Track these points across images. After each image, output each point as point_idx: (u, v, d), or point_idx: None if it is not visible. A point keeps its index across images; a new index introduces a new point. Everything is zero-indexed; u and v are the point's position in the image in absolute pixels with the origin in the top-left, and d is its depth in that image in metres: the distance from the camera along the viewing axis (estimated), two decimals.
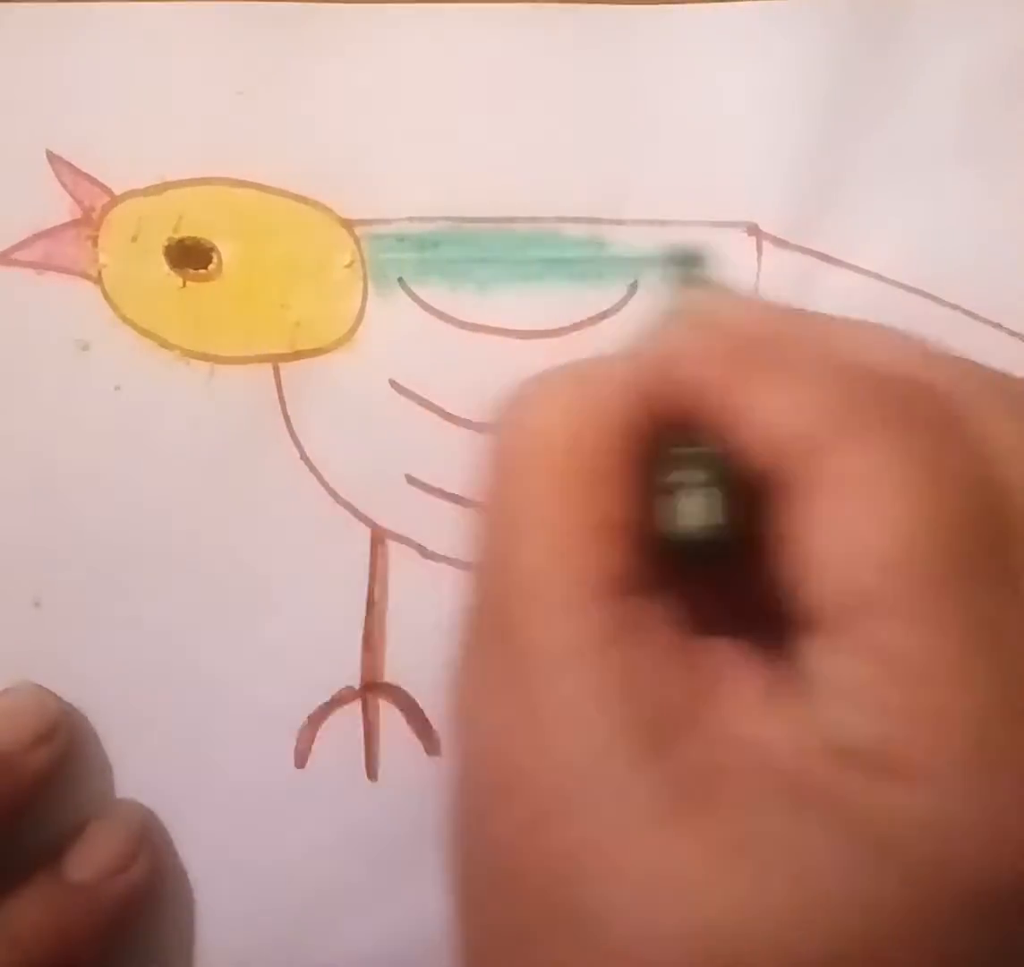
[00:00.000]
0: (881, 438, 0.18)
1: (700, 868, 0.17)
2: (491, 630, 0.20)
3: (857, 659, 0.18)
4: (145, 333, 0.27)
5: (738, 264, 0.28)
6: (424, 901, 0.28)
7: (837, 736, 0.17)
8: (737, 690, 0.19)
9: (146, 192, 0.27)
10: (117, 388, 0.28)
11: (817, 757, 0.17)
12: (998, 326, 0.28)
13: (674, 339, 0.21)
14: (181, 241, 0.27)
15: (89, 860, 0.27)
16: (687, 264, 0.26)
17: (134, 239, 0.27)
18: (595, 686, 0.18)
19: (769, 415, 0.19)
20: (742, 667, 0.19)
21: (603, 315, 0.28)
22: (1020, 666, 0.17)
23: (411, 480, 0.28)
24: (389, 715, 0.28)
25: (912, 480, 0.18)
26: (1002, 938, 0.17)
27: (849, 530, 0.18)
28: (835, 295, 0.28)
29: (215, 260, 0.27)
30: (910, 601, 0.17)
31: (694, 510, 0.21)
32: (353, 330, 0.28)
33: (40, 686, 0.28)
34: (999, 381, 0.20)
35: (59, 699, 0.28)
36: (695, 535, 0.21)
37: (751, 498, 0.20)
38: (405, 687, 0.28)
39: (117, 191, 0.27)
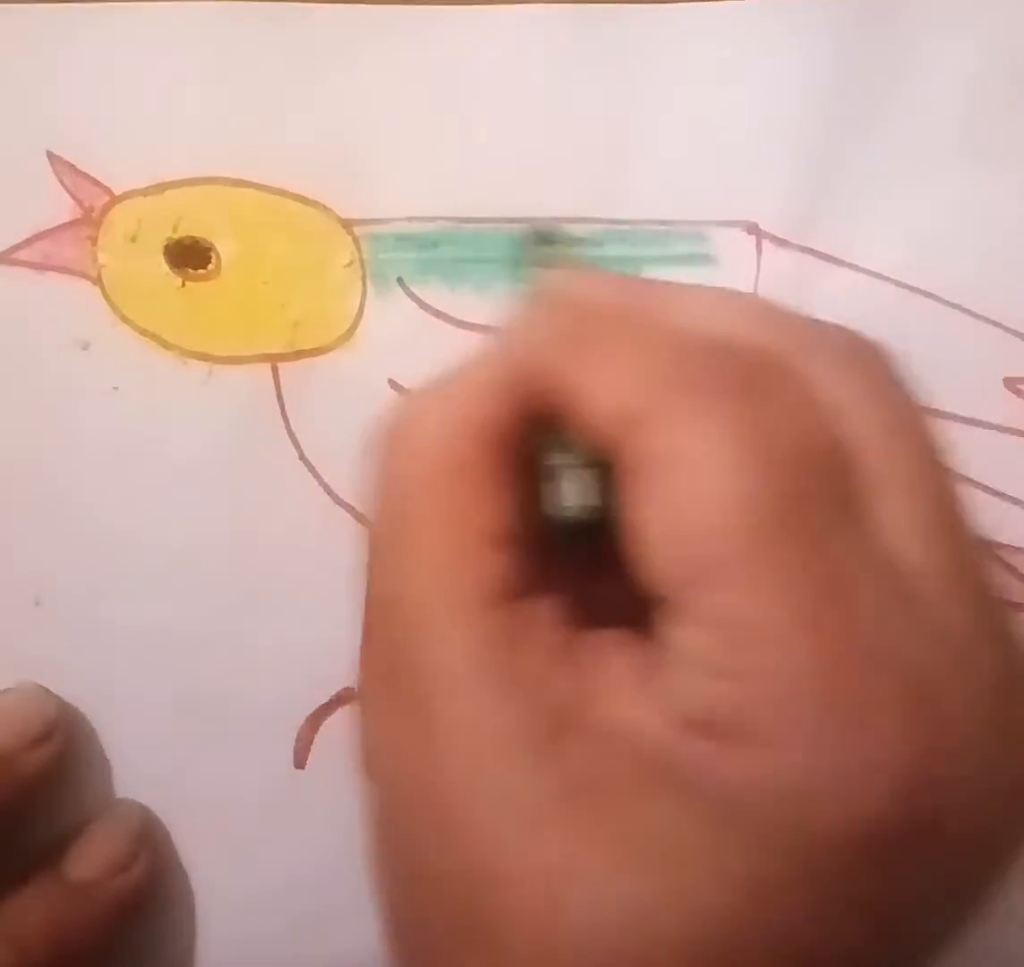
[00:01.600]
0: (703, 406, 0.18)
1: (589, 863, 0.17)
2: (384, 661, 0.20)
3: (697, 629, 0.18)
4: (144, 333, 0.27)
5: (738, 263, 0.28)
6: None
7: (686, 709, 0.18)
8: (614, 679, 0.19)
9: (146, 192, 0.27)
10: (116, 388, 0.28)
11: (671, 732, 0.18)
12: (998, 325, 0.28)
13: (517, 327, 0.21)
14: (180, 241, 0.27)
15: (89, 859, 0.27)
16: (542, 243, 0.26)
17: (133, 239, 0.27)
18: (483, 695, 0.18)
19: (597, 392, 0.19)
20: (620, 654, 0.19)
21: None
22: (866, 609, 0.17)
23: None
24: None
25: (733, 446, 0.18)
26: (872, 885, 0.17)
27: (676, 503, 0.18)
28: (835, 295, 0.28)
29: (214, 260, 0.27)
30: (741, 567, 0.17)
31: (569, 492, 0.21)
32: (352, 330, 0.28)
33: (39, 685, 0.28)
34: (834, 335, 0.20)
35: (58, 698, 0.28)
36: (573, 516, 0.21)
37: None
38: None
39: (117, 191, 0.27)
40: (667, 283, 0.22)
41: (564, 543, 0.21)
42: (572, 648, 0.19)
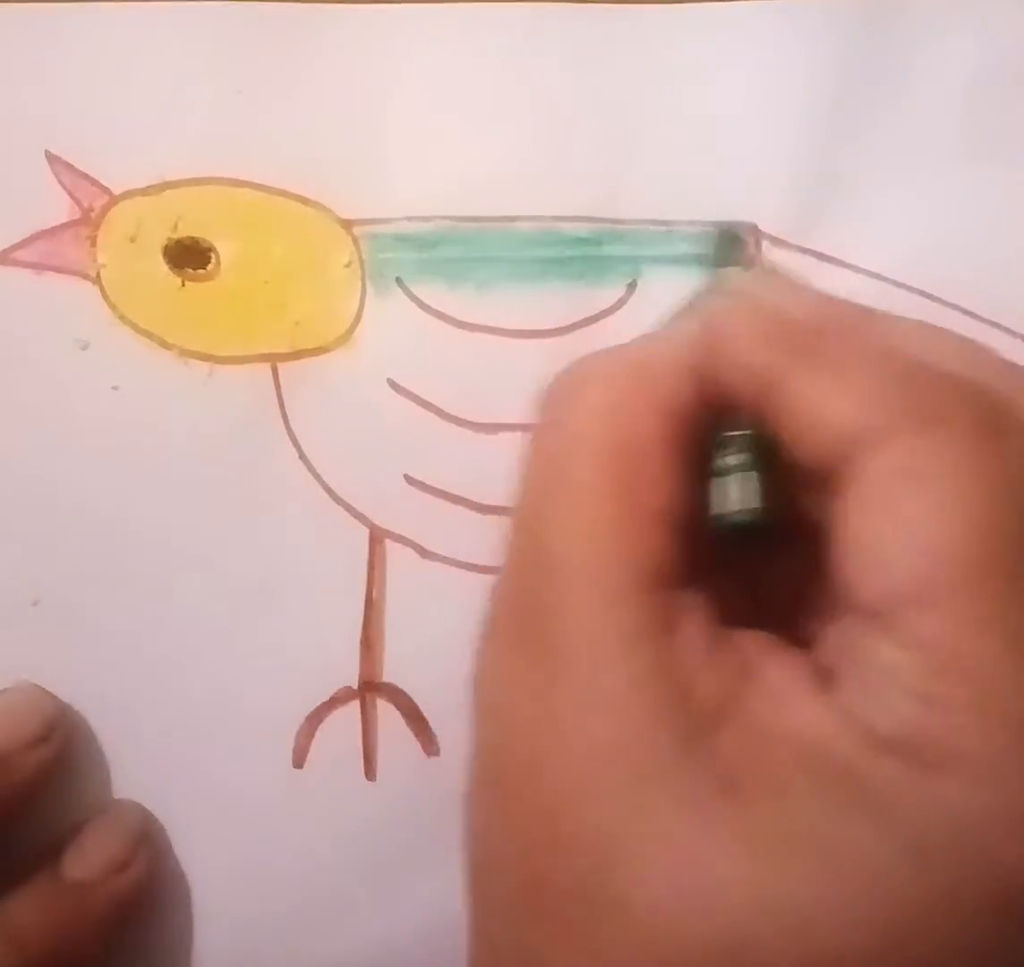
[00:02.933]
0: (935, 434, 0.18)
1: (735, 860, 0.17)
2: (523, 619, 0.20)
3: (903, 650, 0.18)
4: (144, 333, 0.27)
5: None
6: (423, 901, 0.28)
7: (878, 725, 0.17)
8: (773, 681, 0.19)
9: (145, 192, 0.27)
10: (115, 388, 0.28)
11: (856, 746, 0.17)
12: (997, 325, 0.28)
13: (722, 319, 0.21)
14: (180, 241, 0.27)
15: (88, 859, 0.27)
16: (730, 244, 0.26)
17: (133, 239, 0.27)
18: (631, 676, 0.18)
19: (823, 404, 0.19)
20: (777, 658, 0.19)
21: (602, 315, 0.28)
22: None
23: (410, 480, 0.28)
24: (387, 715, 0.28)
25: (964, 477, 0.18)
26: None
27: (901, 522, 0.18)
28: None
29: (214, 260, 0.27)
30: (958, 595, 0.17)
31: (734, 494, 0.21)
32: (352, 330, 0.28)
33: (37, 686, 0.28)
34: None
35: (56, 699, 0.28)
36: (734, 519, 0.21)
37: (795, 484, 0.20)
38: (403, 687, 0.28)
39: (116, 191, 0.27)
40: (871, 309, 0.22)
41: (718, 541, 0.21)
42: (724, 645, 0.19)
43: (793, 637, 0.20)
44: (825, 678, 0.19)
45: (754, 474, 0.21)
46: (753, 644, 0.20)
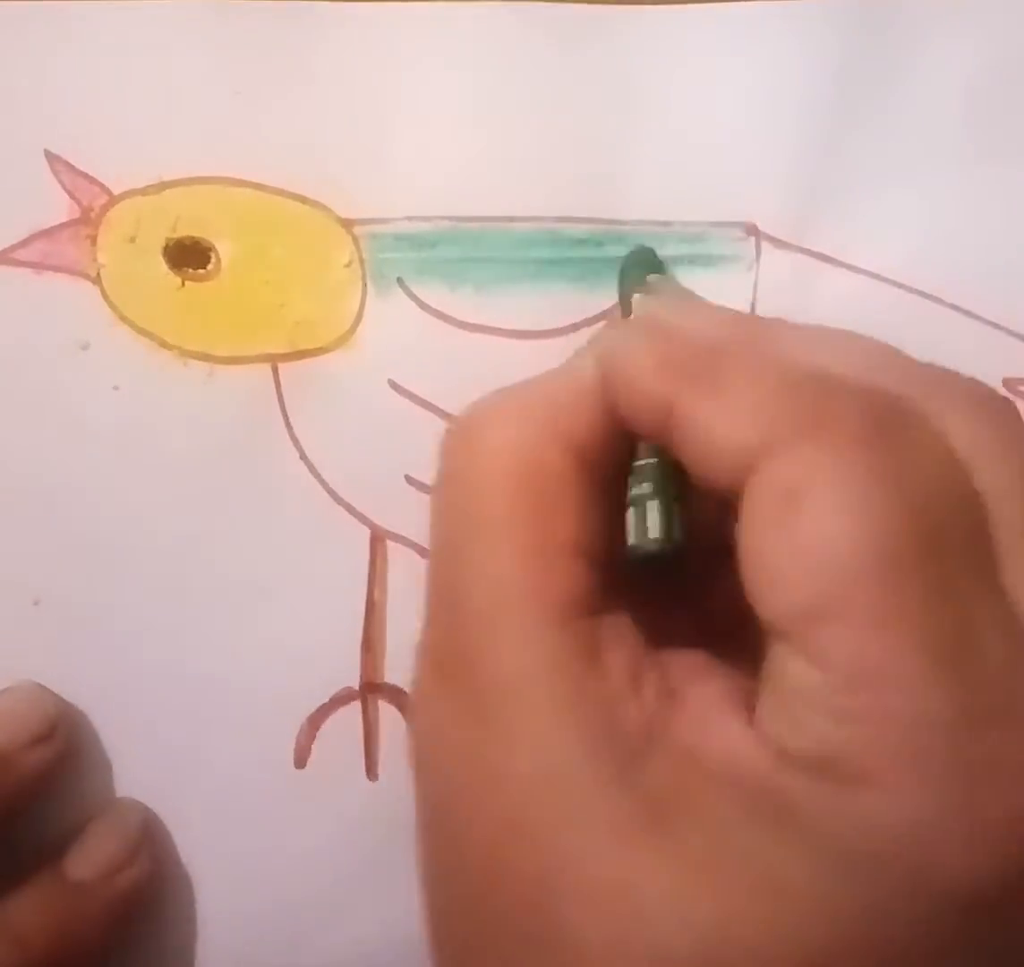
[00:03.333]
0: (817, 442, 0.18)
1: (667, 886, 0.17)
2: (447, 665, 0.19)
3: (810, 666, 0.17)
4: (144, 333, 0.27)
5: (736, 264, 0.28)
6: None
7: (793, 744, 0.17)
8: (697, 704, 0.19)
9: (145, 191, 0.27)
10: (115, 388, 0.27)
11: (776, 766, 0.17)
12: (997, 326, 0.28)
13: (617, 348, 0.21)
14: (179, 241, 0.27)
15: (89, 859, 0.27)
16: (641, 266, 0.26)
17: (132, 239, 0.27)
18: (554, 709, 0.18)
19: (713, 426, 0.19)
20: (703, 679, 0.19)
21: (602, 316, 0.28)
22: (994, 665, 0.17)
23: (410, 480, 0.28)
24: (388, 715, 0.28)
25: (850, 482, 0.18)
26: (989, 937, 0.17)
27: (805, 536, 0.18)
28: (833, 296, 0.28)
29: (214, 260, 0.27)
30: (870, 606, 0.17)
31: (643, 523, 0.21)
32: (352, 330, 0.28)
33: (39, 685, 0.28)
34: (962, 383, 0.20)
35: (58, 698, 0.28)
36: (645, 548, 0.21)
37: (709, 508, 0.20)
38: (405, 687, 0.28)
39: (116, 191, 0.27)
40: (776, 319, 0.22)
41: (633, 567, 0.21)
42: (649, 668, 0.19)
43: (722, 657, 0.20)
44: (743, 699, 0.19)
45: (658, 503, 0.21)
46: (682, 666, 0.20)
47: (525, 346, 0.28)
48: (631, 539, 0.21)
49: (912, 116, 0.27)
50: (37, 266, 0.27)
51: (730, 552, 0.19)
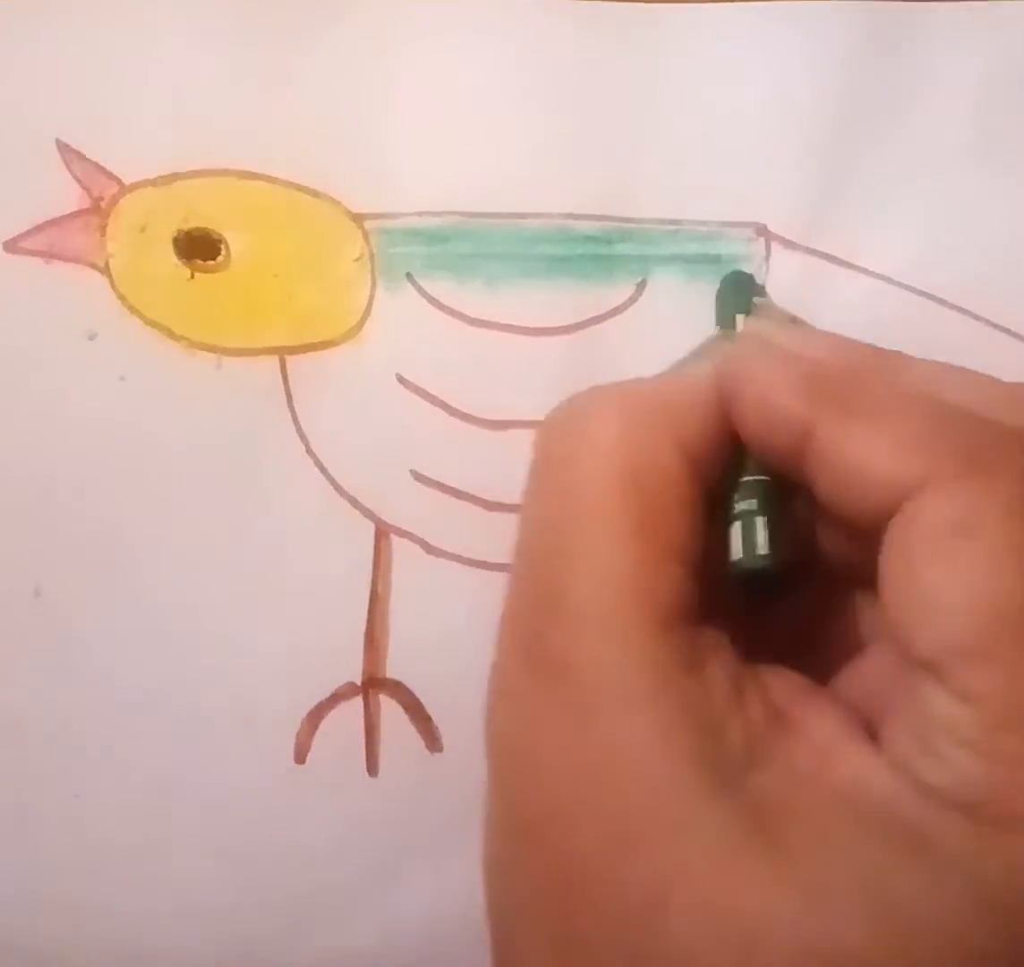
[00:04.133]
0: (984, 482, 0.18)
1: (778, 907, 0.17)
2: (540, 663, 0.19)
3: (960, 703, 0.17)
4: (152, 323, 0.27)
5: (747, 265, 0.28)
6: (423, 896, 0.27)
7: (938, 780, 0.17)
8: (812, 728, 0.19)
9: (155, 183, 0.27)
10: (122, 378, 0.27)
11: (913, 798, 0.17)
12: (1006, 331, 0.28)
13: (746, 365, 0.21)
14: (189, 232, 0.27)
15: None
16: (742, 289, 0.26)
17: (142, 229, 0.27)
18: (662, 720, 0.18)
19: (864, 453, 0.19)
20: (810, 703, 0.19)
21: (611, 313, 0.28)
22: None
23: (416, 476, 0.28)
24: (390, 711, 0.27)
25: (1015, 527, 0.18)
26: None
27: (955, 574, 0.18)
28: (841, 298, 0.28)
29: (223, 252, 0.27)
30: (1015, 648, 0.17)
31: (748, 540, 0.21)
32: (360, 324, 0.28)
33: None
34: None
35: None
36: (747, 565, 0.21)
37: (824, 529, 0.20)
38: (407, 683, 0.27)
39: (126, 181, 0.27)
40: (894, 351, 0.22)
41: (735, 581, 0.21)
42: (750, 685, 0.19)
43: (812, 676, 0.20)
44: (864, 726, 0.19)
45: (765, 520, 0.21)
46: (780, 685, 0.20)
47: (534, 343, 0.28)
48: (736, 554, 0.21)
49: (922, 118, 0.28)
50: (46, 255, 0.27)
51: (822, 573, 0.20)
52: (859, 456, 0.19)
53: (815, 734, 0.19)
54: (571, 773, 0.18)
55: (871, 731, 0.19)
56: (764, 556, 0.21)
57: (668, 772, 0.18)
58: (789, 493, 0.21)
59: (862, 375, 0.20)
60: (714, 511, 0.21)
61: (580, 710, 0.18)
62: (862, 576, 0.20)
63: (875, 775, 0.18)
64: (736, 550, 0.21)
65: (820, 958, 0.16)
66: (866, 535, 0.19)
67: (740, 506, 0.21)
